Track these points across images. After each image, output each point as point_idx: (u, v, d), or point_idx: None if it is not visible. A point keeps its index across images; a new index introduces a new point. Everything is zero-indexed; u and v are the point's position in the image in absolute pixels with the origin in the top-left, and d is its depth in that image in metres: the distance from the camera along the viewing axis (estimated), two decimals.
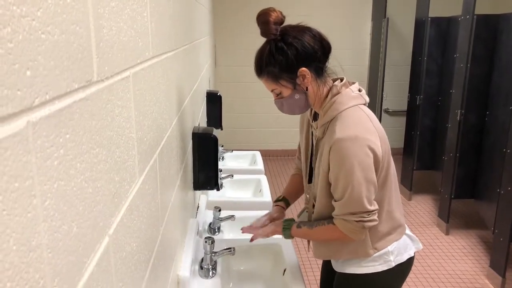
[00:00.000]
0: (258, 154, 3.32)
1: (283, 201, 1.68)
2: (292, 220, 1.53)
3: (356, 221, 1.30)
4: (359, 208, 1.28)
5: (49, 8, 0.46)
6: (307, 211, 1.56)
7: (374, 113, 5.21)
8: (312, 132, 1.48)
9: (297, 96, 1.35)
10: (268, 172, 5.00)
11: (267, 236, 1.57)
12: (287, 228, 1.50)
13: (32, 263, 0.42)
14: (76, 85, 0.53)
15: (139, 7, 0.88)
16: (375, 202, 1.31)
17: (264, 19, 1.30)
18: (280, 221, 1.56)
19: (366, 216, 1.29)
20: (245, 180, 2.80)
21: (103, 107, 0.64)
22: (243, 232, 1.61)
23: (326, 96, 1.36)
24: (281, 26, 1.32)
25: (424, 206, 4.26)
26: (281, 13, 1.32)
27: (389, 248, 1.41)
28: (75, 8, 0.53)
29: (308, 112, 1.49)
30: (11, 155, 0.38)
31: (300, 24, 1.34)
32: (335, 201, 1.33)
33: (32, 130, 0.42)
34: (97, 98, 0.61)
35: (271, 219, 1.62)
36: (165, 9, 1.21)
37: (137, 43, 0.86)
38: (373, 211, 1.30)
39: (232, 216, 2.10)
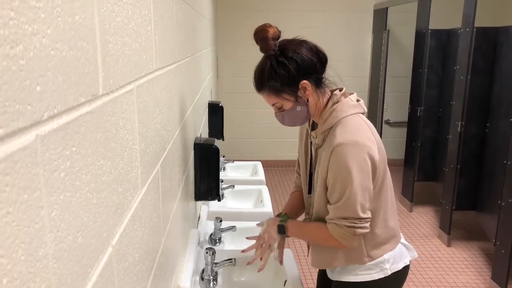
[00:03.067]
0: (259, 165, 3.33)
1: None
2: (287, 215, 1.55)
3: (347, 226, 1.31)
4: (352, 214, 1.30)
5: (59, 25, 0.48)
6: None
7: (375, 124, 5.17)
8: (311, 141, 1.50)
9: (298, 108, 1.38)
10: (269, 182, 5.01)
11: (265, 241, 1.55)
12: (283, 221, 1.52)
13: (39, 272, 0.43)
14: (83, 99, 0.55)
15: (143, 21, 0.90)
16: (368, 211, 1.33)
17: (262, 35, 1.34)
18: (274, 219, 1.56)
19: (358, 223, 1.31)
20: (246, 191, 2.80)
21: (108, 120, 0.65)
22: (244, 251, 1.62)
23: (325, 105, 1.39)
24: (279, 41, 1.36)
25: (425, 218, 4.25)
26: (277, 28, 1.36)
27: (385, 256, 1.42)
28: (82, 24, 0.55)
29: (306, 123, 1.51)
30: (21, 167, 0.39)
31: (296, 38, 1.38)
32: (330, 204, 1.35)
33: (41, 143, 0.43)
34: (102, 111, 0.63)
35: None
36: (169, 22, 1.23)
37: (141, 57, 0.88)
38: (365, 218, 1.32)
39: (233, 226, 2.11)
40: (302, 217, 1.64)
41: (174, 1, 1.34)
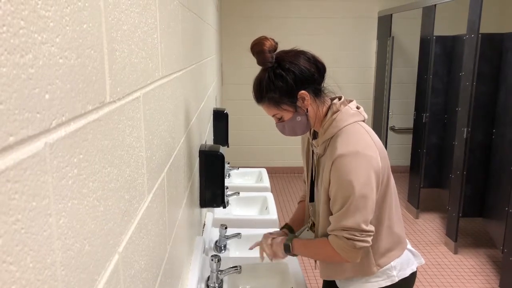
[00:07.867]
0: (264, 171, 3.33)
1: (285, 228, 1.67)
2: (295, 236, 1.55)
3: (347, 238, 1.29)
4: (352, 224, 1.28)
5: (67, 34, 0.48)
6: (307, 230, 1.57)
7: (381, 130, 5.14)
8: (312, 150, 1.50)
9: (298, 118, 1.38)
10: (274, 189, 4.99)
11: (269, 252, 1.57)
12: (289, 239, 1.51)
13: (47, 280, 0.43)
14: (90, 107, 0.55)
15: (149, 29, 0.90)
16: (371, 226, 1.31)
17: (258, 48, 1.34)
18: (282, 238, 1.57)
19: (358, 235, 1.28)
20: (251, 198, 2.80)
21: (115, 127, 0.66)
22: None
23: (325, 114, 1.39)
24: (275, 52, 1.36)
25: (431, 225, 4.22)
26: (273, 40, 1.36)
27: (392, 263, 1.41)
28: (90, 33, 0.55)
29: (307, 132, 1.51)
30: (30, 175, 0.39)
31: (294, 49, 1.38)
32: (331, 215, 1.35)
33: (49, 151, 0.44)
34: (109, 119, 0.63)
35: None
36: (174, 30, 1.24)
37: (148, 64, 0.88)
38: (367, 231, 1.29)
39: (239, 234, 2.10)
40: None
41: (180, 10, 1.35)
